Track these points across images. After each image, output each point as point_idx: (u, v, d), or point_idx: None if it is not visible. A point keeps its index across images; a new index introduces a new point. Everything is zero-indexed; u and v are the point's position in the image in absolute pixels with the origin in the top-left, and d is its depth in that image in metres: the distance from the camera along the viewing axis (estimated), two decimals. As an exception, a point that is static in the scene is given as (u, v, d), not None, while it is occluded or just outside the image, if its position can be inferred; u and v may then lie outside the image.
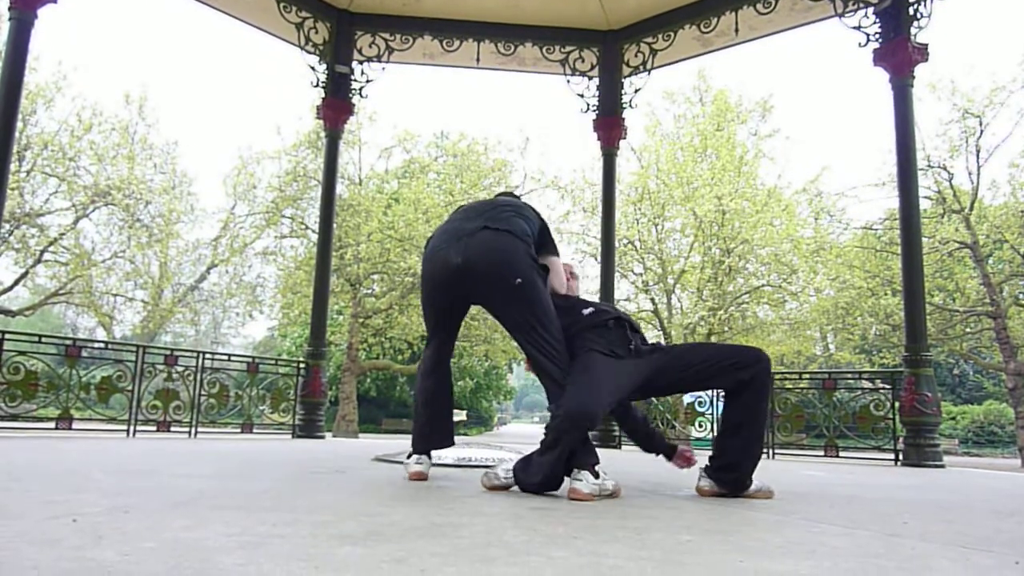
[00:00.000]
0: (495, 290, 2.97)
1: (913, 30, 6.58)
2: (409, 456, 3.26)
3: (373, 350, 24.56)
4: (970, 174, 18.93)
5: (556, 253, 3.35)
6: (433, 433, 3.29)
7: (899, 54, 6.56)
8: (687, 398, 8.56)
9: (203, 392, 7.23)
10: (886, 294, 19.30)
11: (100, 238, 21.48)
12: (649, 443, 3.42)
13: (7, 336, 6.06)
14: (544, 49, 8.26)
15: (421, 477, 3.18)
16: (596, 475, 2.71)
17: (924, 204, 18.64)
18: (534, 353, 2.93)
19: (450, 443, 3.34)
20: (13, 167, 15.64)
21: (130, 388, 6.76)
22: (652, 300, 21.48)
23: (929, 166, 18.80)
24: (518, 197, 3.59)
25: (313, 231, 20.20)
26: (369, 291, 23.15)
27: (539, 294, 2.95)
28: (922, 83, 17.59)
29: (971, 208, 18.66)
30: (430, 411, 3.29)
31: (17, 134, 13.62)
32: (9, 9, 5.90)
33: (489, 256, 2.92)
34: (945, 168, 19.07)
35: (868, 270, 19.86)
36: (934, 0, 6.57)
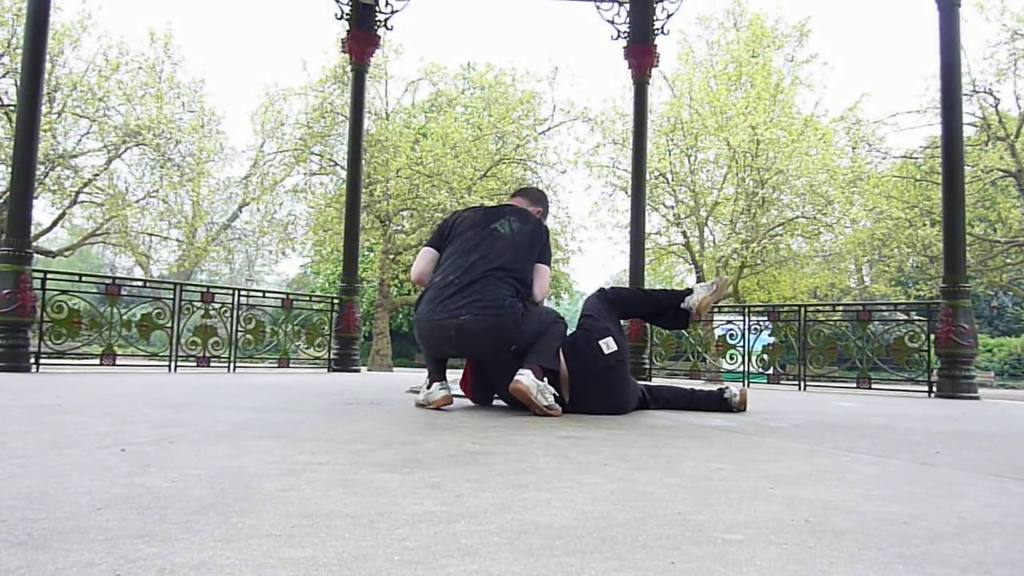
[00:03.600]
0: (495, 358, 3.37)
1: (962, -56, 6.25)
2: (429, 387, 3.38)
3: (404, 286, 24.76)
4: (1017, 99, 18.23)
5: (548, 263, 3.60)
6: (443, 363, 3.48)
7: (946, -30, 6.25)
8: (718, 331, 8.54)
9: (240, 328, 7.38)
10: (924, 225, 18.87)
11: (133, 178, 21.72)
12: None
13: (49, 276, 6.21)
14: (573, -26, 8.00)
15: (447, 402, 3.31)
16: (540, 377, 3.09)
17: (968, 131, 18.03)
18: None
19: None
20: (44, 108, 15.75)
21: (169, 325, 6.92)
22: (684, 233, 21.27)
23: (974, 91, 18.09)
24: (529, 193, 3.90)
25: (342, 168, 20.17)
26: (399, 227, 23.21)
27: (531, 336, 3.24)
28: (969, 3, 16.77)
29: (1017, 135, 18.00)
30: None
31: (46, 75, 13.66)
32: (32, -54, 5.84)
33: (481, 342, 3.24)
34: (991, 93, 18.37)
35: (906, 200, 19.40)
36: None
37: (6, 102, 17.66)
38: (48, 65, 15.77)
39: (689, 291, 3.71)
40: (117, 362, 6.52)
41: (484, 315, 3.15)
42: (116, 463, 1.64)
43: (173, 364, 6.83)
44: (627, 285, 3.58)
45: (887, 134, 28.75)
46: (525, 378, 3.03)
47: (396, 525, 1.13)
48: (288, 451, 1.91)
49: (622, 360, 3.32)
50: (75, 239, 23.62)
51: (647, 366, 7.88)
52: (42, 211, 21.22)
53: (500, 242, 3.38)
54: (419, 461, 1.80)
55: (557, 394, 3.18)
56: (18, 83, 14.46)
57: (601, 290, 3.71)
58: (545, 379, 3.12)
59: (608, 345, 3.28)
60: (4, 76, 17.92)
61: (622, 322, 4.04)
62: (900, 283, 23.78)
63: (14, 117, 11.36)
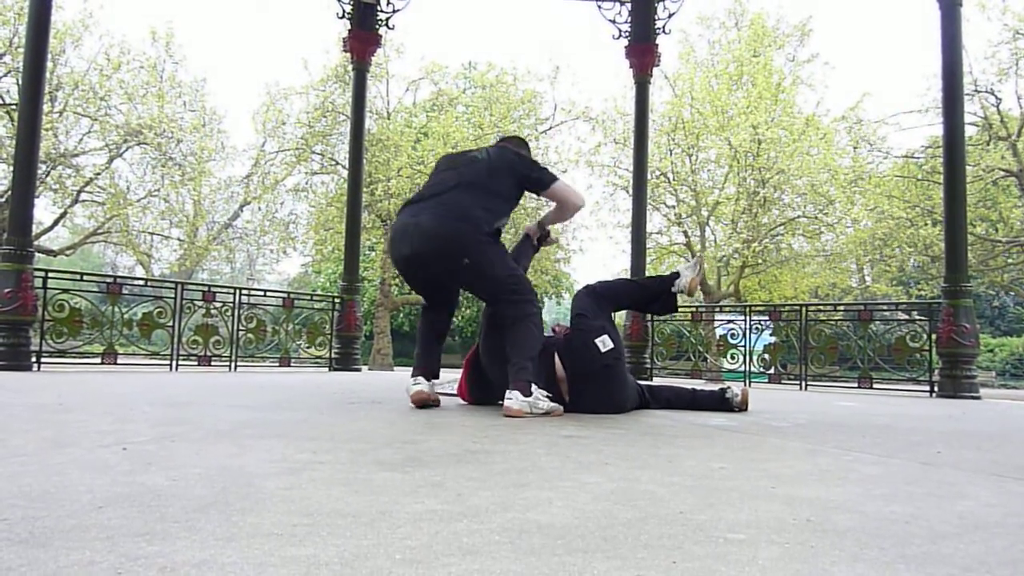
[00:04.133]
0: (450, 272, 3.30)
1: (964, -56, 6.24)
2: (414, 378, 3.39)
3: (405, 286, 24.73)
4: (1019, 98, 18.16)
5: (552, 181, 3.51)
6: (428, 359, 3.50)
7: (948, -30, 6.24)
8: (719, 330, 8.55)
9: (241, 327, 7.39)
10: (926, 224, 18.83)
11: (134, 177, 21.67)
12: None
13: (50, 275, 6.21)
14: (574, -26, 8.00)
15: (421, 396, 3.31)
16: (528, 393, 3.03)
17: (969, 131, 17.98)
18: (495, 304, 3.34)
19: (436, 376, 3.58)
20: (46, 108, 15.74)
21: (171, 324, 6.92)
22: (685, 233, 21.25)
23: (976, 90, 18.04)
24: (512, 140, 3.79)
25: (343, 167, 20.17)
26: (400, 226, 23.13)
27: (489, 264, 3.23)
28: (971, 2, 16.72)
29: (1019, 135, 17.96)
30: (427, 340, 3.56)
31: (48, 74, 13.67)
32: (33, -55, 5.84)
33: (433, 244, 3.21)
34: (993, 92, 18.31)
35: (908, 200, 19.36)
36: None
37: (8, 101, 17.65)
38: (50, 64, 15.73)
39: (676, 275, 3.73)
40: (118, 361, 6.52)
41: (443, 219, 3.19)
42: (117, 461, 1.64)
43: (174, 363, 6.83)
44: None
45: (888, 134, 28.75)
46: (513, 402, 3.01)
47: (397, 524, 1.13)
48: (289, 450, 1.91)
49: (619, 358, 3.32)
50: (76, 238, 23.61)
51: (648, 366, 7.87)
52: (43, 210, 21.22)
53: (477, 164, 3.44)
54: (420, 460, 1.79)
55: (551, 395, 3.17)
56: (20, 82, 14.45)
57: (589, 287, 3.69)
58: (534, 387, 3.08)
59: (604, 343, 3.27)
60: (6, 75, 17.91)
61: (623, 321, 4.05)
62: (902, 283, 23.76)
63: (16, 116, 11.39)
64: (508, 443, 2.17)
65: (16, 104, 15.88)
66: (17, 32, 16.92)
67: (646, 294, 3.85)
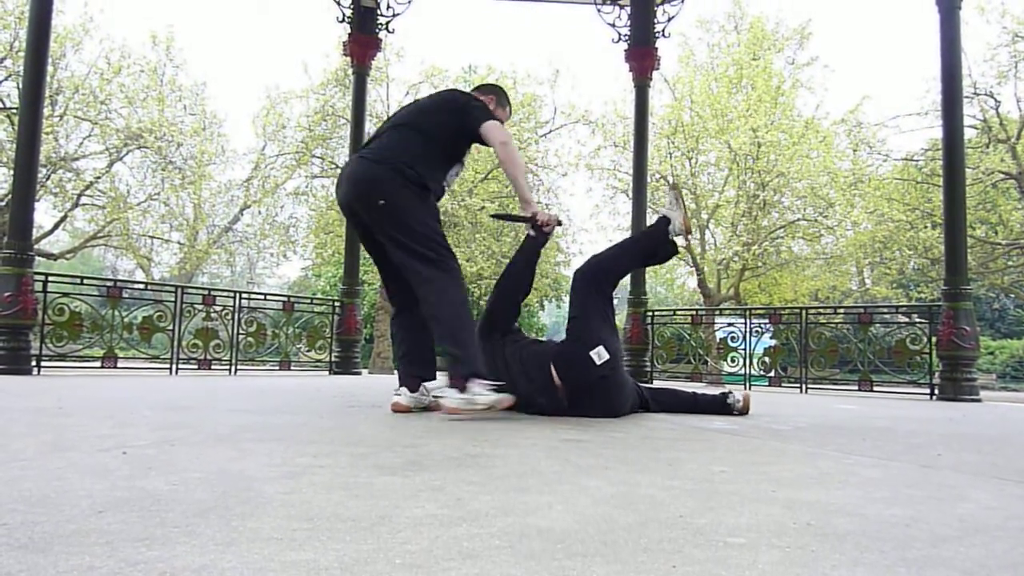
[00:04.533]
0: (368, 216, 3.20)
1: (963, -53, 6.25)
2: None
3: (406, 289, 24.70)
4: (1018, 101, 18.21)
5: (486, 118, 3.25)
6: (411, 366, 3.41)
7: (947, -26, 6.25)
8: (720, 333, 8.55)
9: (241, 331, 7.39)
10: (925, 227, 18.85)
11: (135, 181, 21.70)
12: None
13: (50, 278, 6.22)
14: (574, -23, 8.01)
15: (399, 408, 3.25)
16: (463, 389, 2.91)
17: (969, 133, 18.02)
18: (407, 261, 3.12)
19: (431, 376, 3.42)
20: (46, 111, 15.76)
21: (171, 328, 6.92)
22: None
23: (975, 93, 18.08)
24: (483, 87, 3.67)
25: (343, 171, 20.17)
26: (400, 230, 23.17)
27: (404, 210, 3.10)
28: (970, 5, 16.75)
29: (1018, 137, 17.99)
30: (403, 349, 3.46)
31: (48, 78, 13.68)
32: (33, -51, 5.85)
33: (355, 189, 3.20)
34: (992, 95, 18.35)
35: (908, 203, 19.37)
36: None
37: (8, 105, 17.68)
38: (50, 68, 15.74)
39: (665, 220, 3.48)
40: (118, 365, 6.52)
41: (367, 162, 3.20)
42: (117, 466, 1.64)
43: (174, 367, 6.83)
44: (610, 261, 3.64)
45: (888, 136, 28.79)
46: (448, 400, 2.93)
47: (397, 528, 1.13)
48: (289, 454, 1.91)
49: (615, 367, 3.24)
50: (76, 242, 23.64)
51: (648, 369, 7.87)
52: (44, 214, 21.22)
53: (412, 106, 3.45)
54: (420, 464, 1.79)
55: (502, 383, 3.05)
56: (20, 86, 14.46)
57: (582, 272, 3.47)
58: (473, 381, 2.92)
59: (600, 355, 3.16)
60: (6, 79, 17.94)
61: (623, 324, 3.98)
62: (902, 285, 23.76)
63: (16, 120, 11.38)
64: (508, 447, 2.17)
65: (16, 108, 15.90)
66: (18, 36, 16.96)
67: (643, 253, 3.68)
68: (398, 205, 3.09)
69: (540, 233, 3.60)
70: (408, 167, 3.13)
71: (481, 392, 2.90)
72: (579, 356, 3.19)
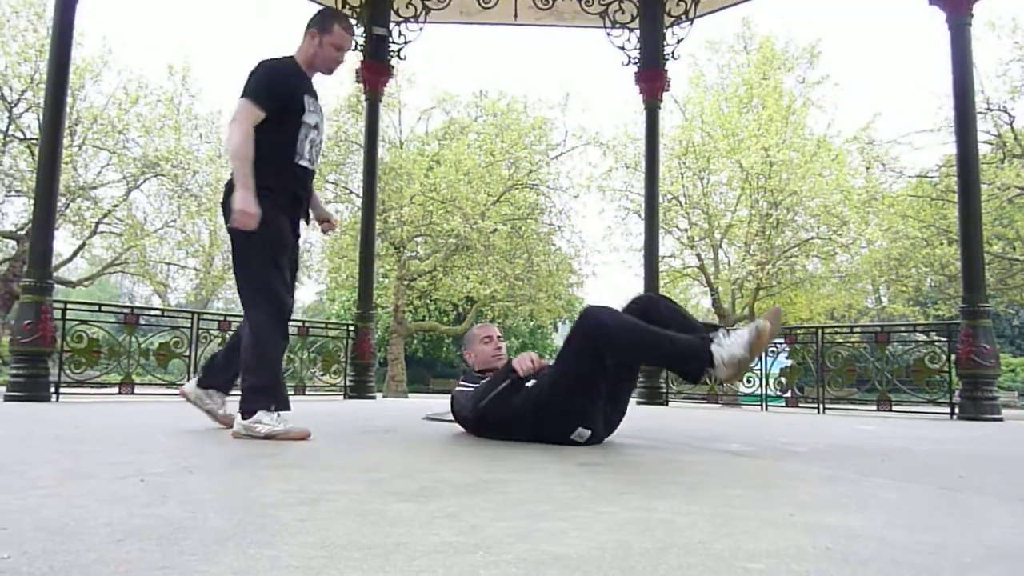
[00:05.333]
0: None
1: (971, -36, 6.26)
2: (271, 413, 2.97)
3: (419, 312, 24.81)
4: (1032, 116, 18.13)
5: (243, 95, 3.02)
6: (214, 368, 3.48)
7: (956, -9, 6.25)
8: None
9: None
10: (942, 244, 18.71)
11: (151, 208, 21.98)
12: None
13: (69, 306, 6.28)
14: (583, 2, 8.07)
15: (182, 393, 3.33)
16: (245, 416, 2.92)
17: (983, 149, 17.90)
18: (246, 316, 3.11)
19: (219, 387, 3.53)
20: (65, 142, 16.00)
21: (187, 353, 6.96)
22: (698, 256, 21.21)
23: (988, 109, 18.01)
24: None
25: (357, 195, 20.35)
26: (413, 253, 23.32)
27: (236, 239, 2.99)
28: (980, 21, 16.75)
29: (1033, 152, 17.89)
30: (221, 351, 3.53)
31: (68, 109, 13.93)
32: (54, -15, 5.98)
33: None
34: (1006, 111, 18.27)
35: (923, 219, 19.26)
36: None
37: (28, 136, 17.99)
38: (70, 99, 16.04)
39: (707, 349, 2.54)
40: (135, 391, 6.56)
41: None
42: (135, 493, 1.64)
43: (190, 393, 6.85)
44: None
45: (901, 153, 28.64)
46: (235, 425, 2.98)
47: (413, 556, 1.13)
48: (305, 480, 1.91)
49: (600, 439, 2.90)
50: (94, 269, 23.90)
51: (663, 390, 7.83)
52: (63, 242, 21.50)
53: None
54: (435, 490, 1.79)
55: (276, 410, 2.94)
56: (40, 117, 14.71)
57: (595, 317, 2.73)
58: (260, 412, 2.89)
59: (581, 436, 2.80)
60: (27, 111, 18.29)
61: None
62: (919, 303, 23.57)
63: (36, 150, 11.50)
64: (522, 472, 2.16)
65: (37, 139, 16.19)
66: (38, 69, 17.30)
67: (665, 358, 2.83)
68: (234, 234, 2.99)
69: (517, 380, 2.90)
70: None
71: (263, 422, 2.89)
72: (556, 431, 2.85)
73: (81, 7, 6.04)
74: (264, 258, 2.98)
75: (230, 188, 2.97)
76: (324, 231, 3.54)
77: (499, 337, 3.29)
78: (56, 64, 6.01)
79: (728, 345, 2.48)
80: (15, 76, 17.98)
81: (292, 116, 3.06)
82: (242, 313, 3.21)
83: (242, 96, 2.99)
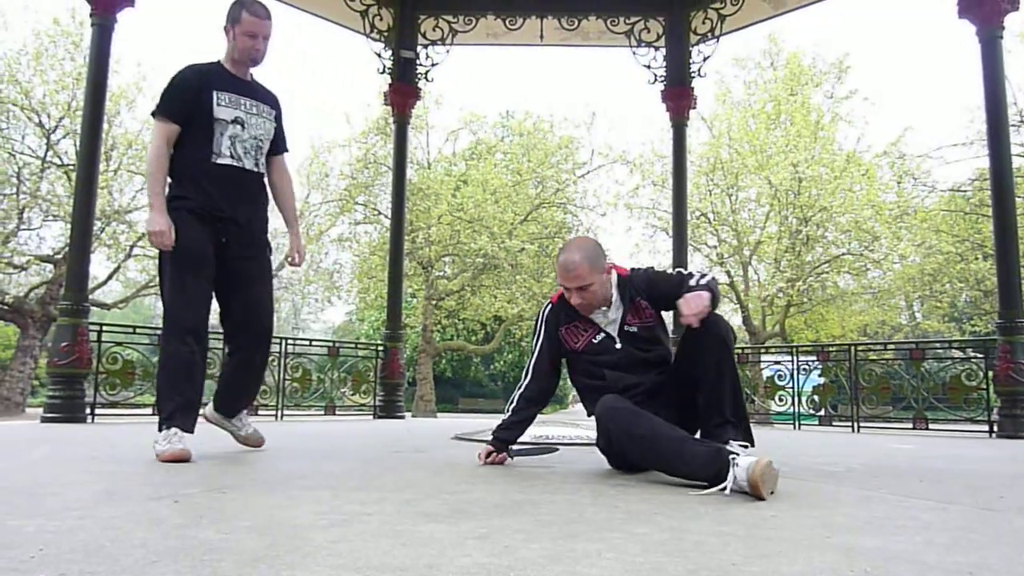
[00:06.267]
0: None
1: (1002, -24, 6.20)
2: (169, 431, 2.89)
3: (447, 331, 24.91)
4: (1068, 128, 17.78)
5: (155, 114, 3.13)
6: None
7: (986, 4, 6.18)
8: (766, 371, 8.39)
9: (287, 376, 7.48)
10: (976, 259, 18.36)
11: (184, 231, 22.32)
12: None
13: (104, 328, 6.40)
14: (608, 21, 8.12)
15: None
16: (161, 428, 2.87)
17: (1017, 162, 17.58)
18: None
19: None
20: (101, 167, 16.37)
21: (218, 374, 7.03)
22: (728, 273, 21.04)
23: (1021, 121, 17.72)
24: None
25: (386, 216, 20.55)
26: (441, 273, 23.43)
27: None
28: (1012, 33, 16.53)
29: (1069, 164, 17.53)
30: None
31: (104, 135, 14.26)
32: (91, 15, 6.15)
33: None
34: (1040, 123, 17.96)
35: (956, 234, 18.93)
36: (1024, -56, 6.16)
37: (66, 162, 18.44)
38: (105, 125, 16.44)
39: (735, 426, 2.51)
40: (168, 412, 6.63)
41: None
42: (169, 514, 1.66)
43: (222, 413, 6.92)
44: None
45: (933, 167, 28.19)
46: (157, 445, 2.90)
47: (445, 578, 1.13)
48: (337, 501, 1.92)
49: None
50: (129, 291, 24.30)
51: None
52: (98, 265, 21.90)
53: None
54: (466, 511, 1.79)
55: (168, 427, 2.87)
56: (77, 144, 15.06)
57: (599, 423, 2.58)
58: (163, 429, 2.89)
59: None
60: (65, 137, 18.74)
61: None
62: (954, 319, 23.12)
63: (73, 176, 11.74)
64: (554, 493, 2.15)
65: (74, 164, 16.58)
66: (75, 96, 17.76)
67: (675, 472, 2.36)
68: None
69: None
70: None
71: (161, 440, 2.84)
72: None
73: (117, 35, 6.21)
74: (171, 273, 3.01)
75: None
76: (288, 263, 3.51)
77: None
78: (93, 91, 6.18)
79: (740, 469, 2.08)
80: (53, 104, 18.45)
81: (200, 117, 3.05)
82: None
83: (152, 115, 3.10)
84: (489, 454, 2.89)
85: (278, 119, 3.33)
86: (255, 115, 3.18)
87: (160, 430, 2.87)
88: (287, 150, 3.43)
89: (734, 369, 2.58)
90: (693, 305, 2.47)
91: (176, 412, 2.90)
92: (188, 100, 3.05)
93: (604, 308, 2.76)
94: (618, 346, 2.75)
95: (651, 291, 2.77)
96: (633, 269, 2.88)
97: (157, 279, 3.23)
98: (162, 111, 3.05)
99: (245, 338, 3.32)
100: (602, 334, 2.77)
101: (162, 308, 3.08)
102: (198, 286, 3.04)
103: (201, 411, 3.14)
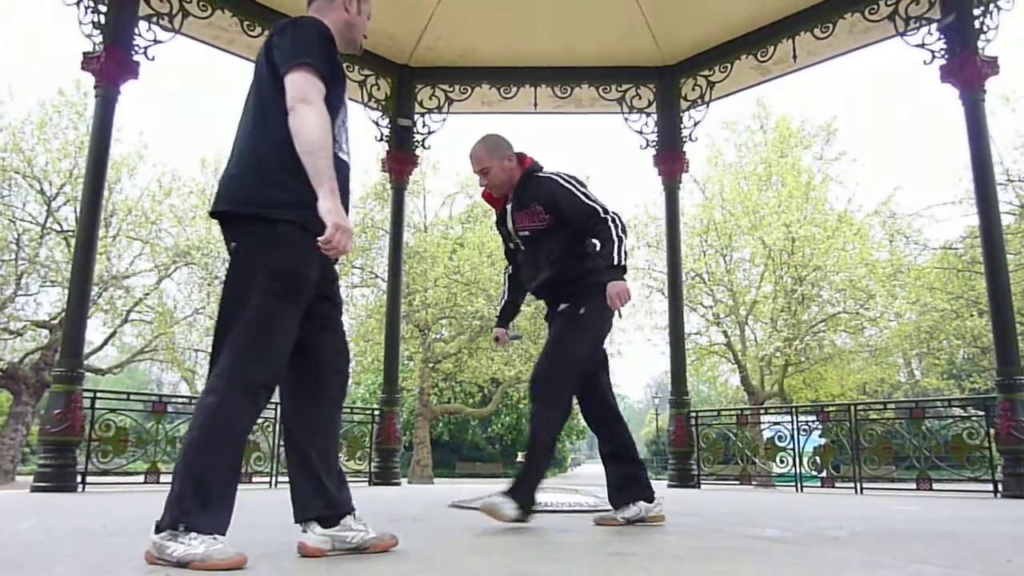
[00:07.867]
0: None
1: (980, 44, 6.37)
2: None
3: (444, 394, 24.71)
4: (1054, 186, 18.08)
5: (298, 66, 2.09)
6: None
7: (967, 69, 6.36)
8: (767, 432, 8.31)
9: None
10: (972, 315, 18.42)
11: (181, 296, 22.38)
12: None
13: (98, 395, 6.35)
14: (600, 89, 8.32)
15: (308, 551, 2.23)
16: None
17: (1007, 220, 17.83)
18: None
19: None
20: (101, 233, 16.53)
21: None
22: (724, 333, 21.05)
23: (1009, 180, 18.02)
24: None
25: (382, 280, 20.63)
26: (438, 336, 23.39)
27: (247, 264, 2.13)
28: (994, 96, 16.93)
29: (1059, 221, 17.77)
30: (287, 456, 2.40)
31: (104, 202, 14.43)
32: (95, 87, 6.29)
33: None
34: (1026, 181, 18.26)
35: (951, 291, 19.04)
36: (1000, 13, 6.37)
37: (66, 228, 18.60)
38: (106, 192, 16.66)
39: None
40: (161, 479, 6.53)
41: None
42: (161, 589, 1.63)
43: (216, 481, 6.80)
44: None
45: (924, 226, 28.57)
46: (308, 538, 2.25)
47: (443, 654, 1.10)
48: (333, 573, 1.88)
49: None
50: (124, 356, 24.20)
51: (695, 472, 7.64)
52: (94, 330, 21.86)
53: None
54: (464, 582, 1.75)
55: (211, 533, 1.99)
56: (77, 210, 15.21)
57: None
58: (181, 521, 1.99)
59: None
60: (65, 204, 18.95)
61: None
62: (953, 376, 23.04)
63: (72, 242, 11.83)
64: (553, 563, 2.11)
65: (73, 231, 16.73)
66: (77, 164, 18.02)
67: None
68: (245, 252, 2.13)
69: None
70: (260, 175, 2.12)
71: (166, 542, 2.00)
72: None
73: (119, 105, 6.34)
74: (265, 302, 2.06)
75: (254, 216, 2.08)
76: None
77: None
78: (95, 160, 6.26)
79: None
80: (55, 171, 18.72)
81: (336, 91, 2.20)
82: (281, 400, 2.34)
83: (295, 62, 2.07)
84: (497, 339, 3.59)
85: None
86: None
87: (181, 517, 1.98)
88: None
89: None
90: (620, 302, 3.15)
91: (216, 501, 2.03)
92: (335, 64, 2.19)
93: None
94: (523, 248, 3.33)
95: (550, 204, 3.19)
96: (546, 173, 3.33)
97: (230, 299, 2.10)
98: (319, 59, 2.10)
99: (338, 379, 2.37)
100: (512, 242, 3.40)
101: (222, 343, 2.11)
102: (294, 327, 2.14)
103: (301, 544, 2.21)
